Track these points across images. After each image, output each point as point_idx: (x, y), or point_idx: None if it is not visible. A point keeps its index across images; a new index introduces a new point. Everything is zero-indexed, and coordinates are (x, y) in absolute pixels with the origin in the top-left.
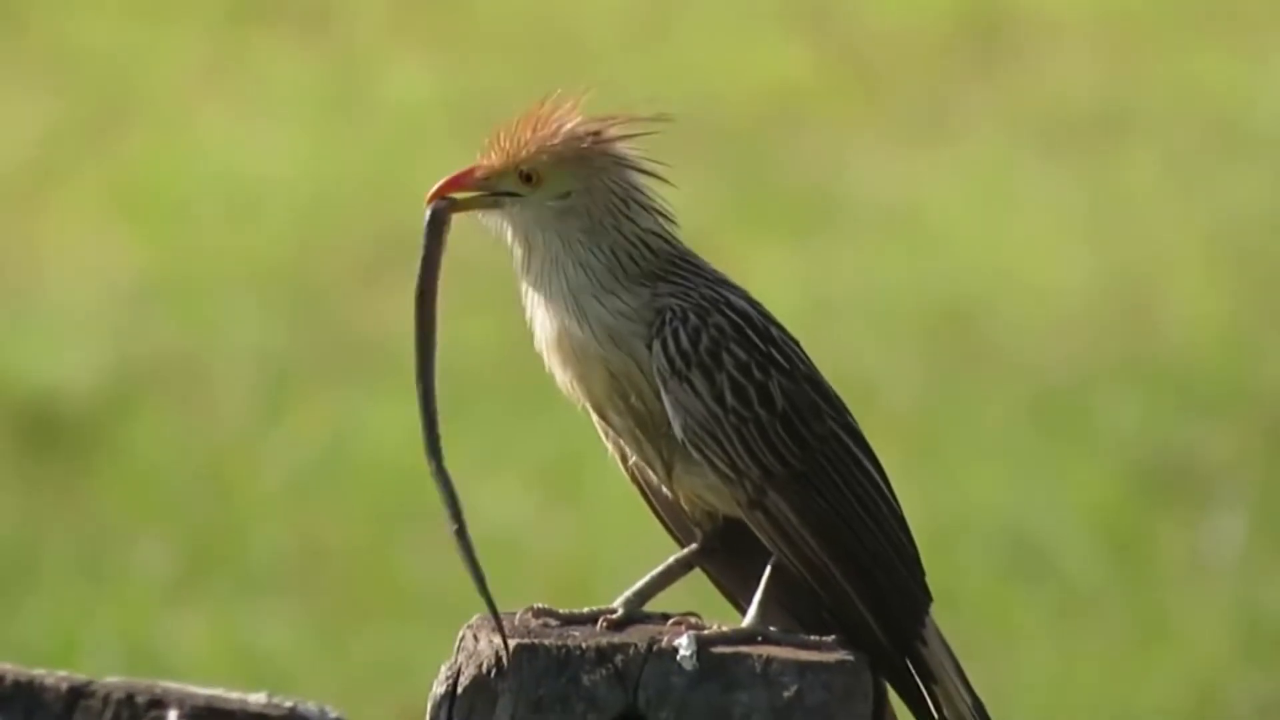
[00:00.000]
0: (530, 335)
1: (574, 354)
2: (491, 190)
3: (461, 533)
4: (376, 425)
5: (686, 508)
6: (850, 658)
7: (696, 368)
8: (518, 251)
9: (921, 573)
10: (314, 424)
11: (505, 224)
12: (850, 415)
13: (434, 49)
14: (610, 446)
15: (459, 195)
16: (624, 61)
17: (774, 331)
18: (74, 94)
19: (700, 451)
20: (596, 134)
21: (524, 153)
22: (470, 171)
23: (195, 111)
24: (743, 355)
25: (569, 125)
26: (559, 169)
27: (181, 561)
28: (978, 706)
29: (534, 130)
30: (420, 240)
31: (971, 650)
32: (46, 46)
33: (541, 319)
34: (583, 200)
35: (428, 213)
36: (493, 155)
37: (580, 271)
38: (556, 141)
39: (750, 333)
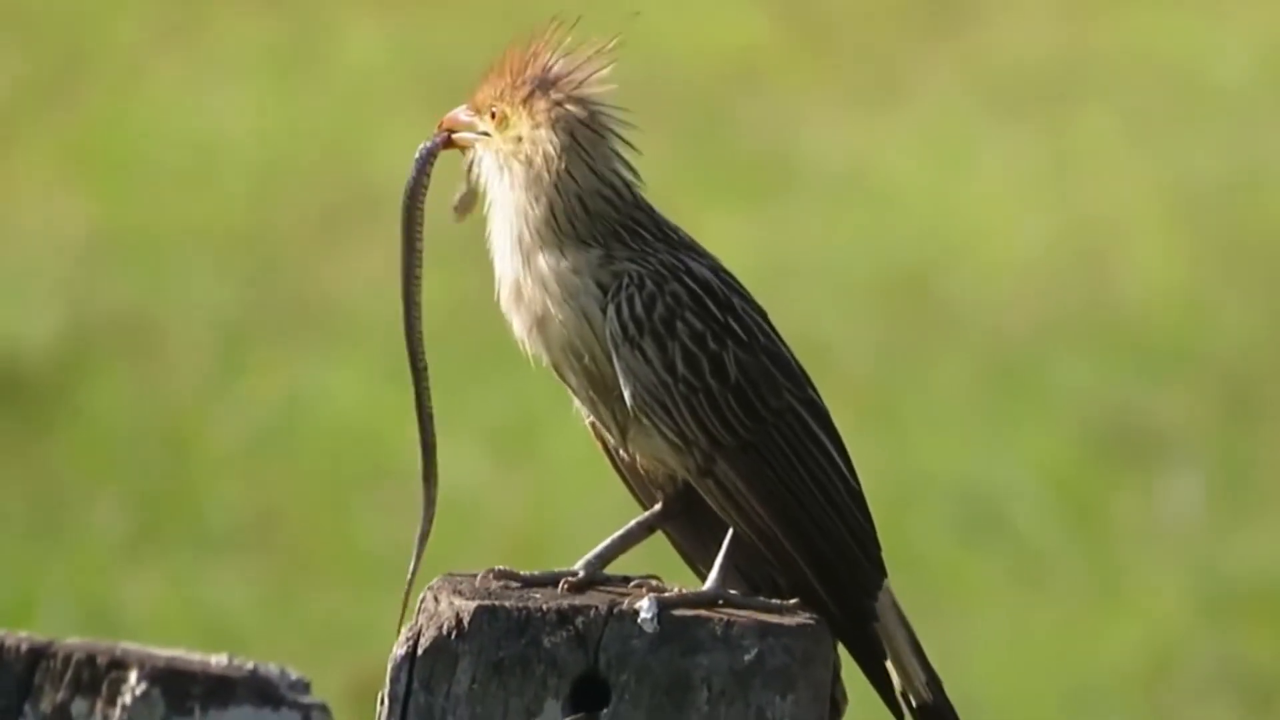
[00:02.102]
0: (491, 288)
1: (526, 305)
2: (473, 129)
3: (429, 469)
4: (332, 387)
5: (646, 470)
6: (811, 621)
7: (649, 335)
8: (491, 194)
9: (876, 548)
10: (270, 385)
11: (479, 164)
12: (813, 390)
13: (391, 11)
14: (575, 402)
15: (454, 133)
16: (581, 25)
17: (736, 302)
18: (30, 53)
19: (649, 418)
20: (555, 80)
21: (499, 91)
22: (461, 110)
23: (152, 71)
24: (698, 325)
25: (536, 67)
26: (517, 111)
27: (137, 521)
28: (933, 681)
29: (512, 70)
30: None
31: (928, 612)
32: (2, 5)
33: (499, 266)
34: (525, 148)
35: (423, 148)
36: (475, 93)
37: (521, 220)
38: (521, 82)
39: (709, 302)
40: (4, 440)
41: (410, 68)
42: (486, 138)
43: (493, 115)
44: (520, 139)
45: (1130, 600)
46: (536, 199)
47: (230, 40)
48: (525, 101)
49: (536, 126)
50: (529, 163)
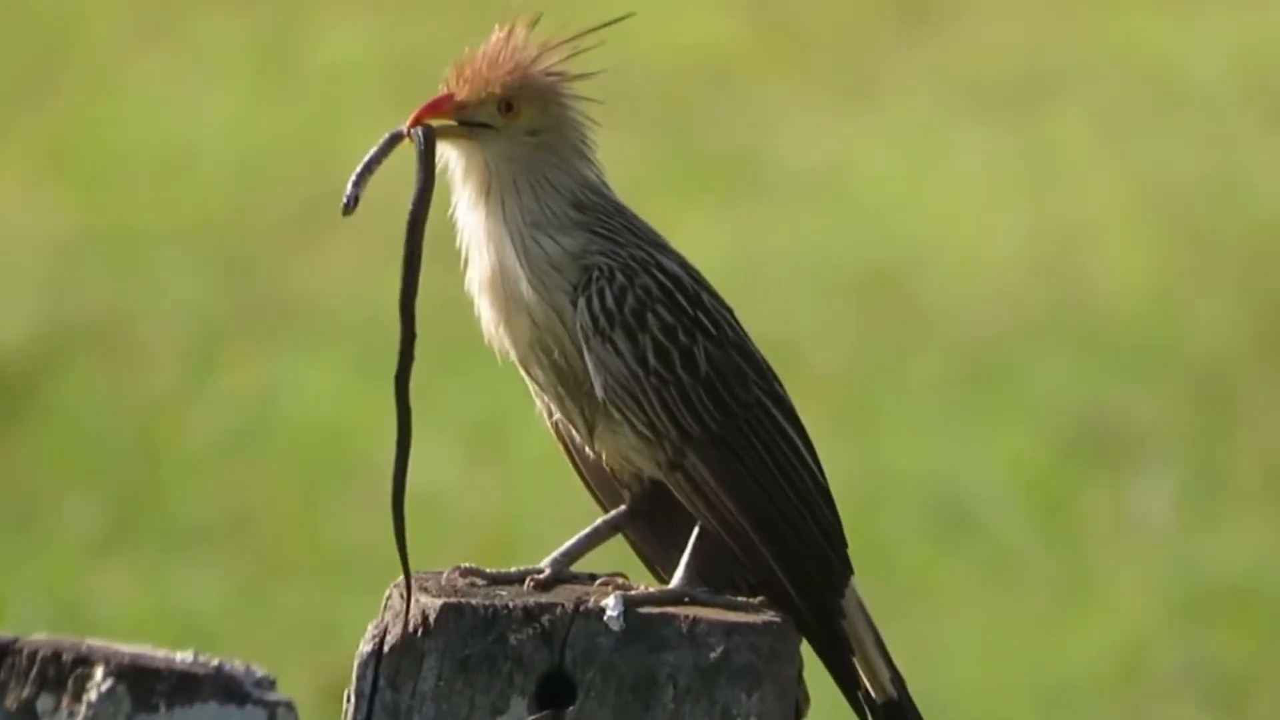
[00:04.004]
0: (461, 281)
1: (505, 296)
2: (468, 119)
3: (401, 467)
4: (305, 386)
5: (612, 469)
6: (777, 619)
7: (620, 328)
8: (474, 184)
9: (843, 545)
10: (243, 384)
11: (471, 156)
12: (780, 385)
13: (367, 10)
14: (538, 404)
15: (435, 123)
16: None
17: (705, 297)
18: (6, 51)
19: (620, 411)
20: (561, 73)
21: (509, 81)
22: (448, 98)
23: (128, 69)
24: (669, 318)
25: (542, 59)
26: (533, 103)
27: (109, 519)
28: (896, 679)
29: (515, 60)
30: (414, 170)
31: (900, 611)
32: None
33: (481, 257)
34: (550, 138)
35: (419, 139)
36: (466, 85)
37: (539, 207)
38: (537, 74)
39: (679, 296)
40: None
41: (386, 66)
42: (485, 129)
43: (509, 107)
44: (538, 131)
45: (1101, 600)
46: (560, 187)
47: (207, 39)
48: (545, 94)
49: (557, 116)
50: (555, 152)
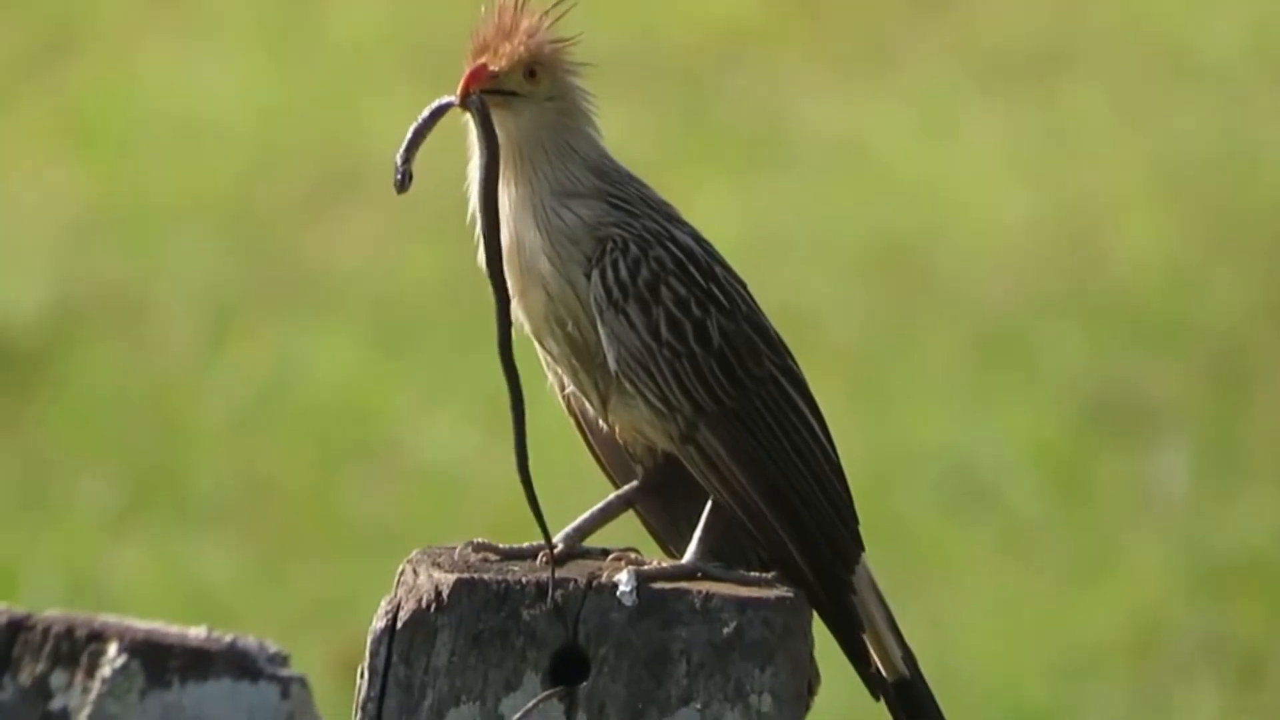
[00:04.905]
0: (474, 255)
1: (521, 268)
2: (500, 89)
3: (520, 433)
4: (320, 360)
5: (625, 442)
6: (790, 594)
7: (633, 300)
8: (503, 154)
9: (854, 521)
10: (258, 357)
11: (502, 125)
12: (792, 359)
13: None
14: (550, 377)
15: (486, 91)
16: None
17: (718, 270)
18: (19, 25)
19: (633, 384)
20: (563, 40)
21: (529, 49)
22: (483, 67)
23: (142, 43)
24: (682, 291)
25: (544, 25)
26: (550, 70)
27: (124, 494)
28: (908, 657)
29: (530, 27)
30: (477, 141)
31: (914, 585)
32: None
33: (501, 230)
34: (565, 104)
35: (477, 107)
36: (496, 55)
37: (565, 173)
38: (545, 41)
39: (692, 269)
40: None
41: (400, 42)
42: (516, 97)
43: (532, 74)
44: (555, 98)
45: (1117, 574)
46: (582, 153)
47: (222, 12)
48: (560, 61)
49: (570, 84)
50: (573, 118)
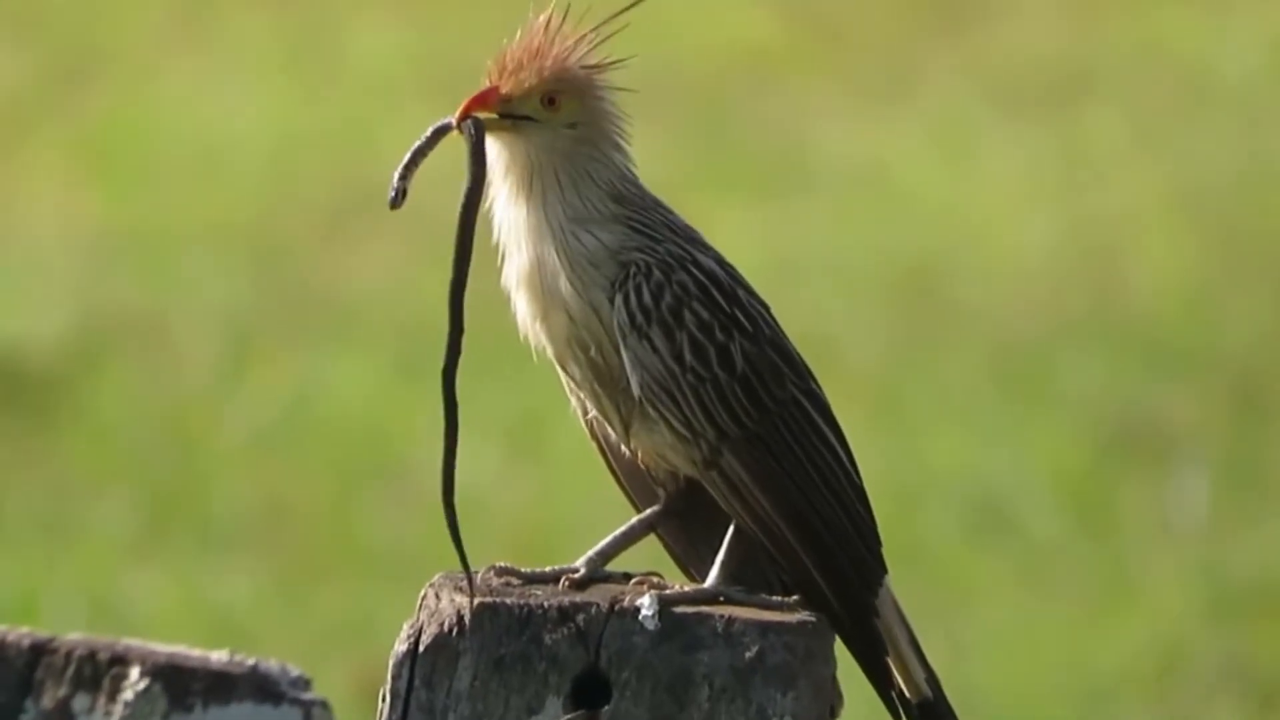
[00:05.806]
0: (498, 277)
1: (543, 291)
2: (512, 113)
3: (450, 461)
4: (339, 382)
5: (647, 466)
6: (812, 619)
7: (657, 324)
8: (515, 177)
9: (878, 543)
10: (277, 381)
11: (513, 149)
12: (815, 382)
13: (400, 9)
14: (573, 401)
15: (481, 115)
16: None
17: (741, 294)
18: (41, 49)
19: (656, 409)
20: (597, 65)
21: (551, 74)
22: (493, 90)
23: (161, 67)
24: (705, 315)
25: (578, 51)
26: (573, 96)
27: (144, 517)
28: (931, 678)
29: (555, 52)
30: (465, 164)
31: (936, 609)
32: (13, 3)
33: (519, 252)
34: (589, 131)
35: (470, 132)
36: (510, 78)
37: (580, 201)
38: (574, 67)
39: (715, 293)
40: (12, 437)
41: (419, 63)
42: (529, 122)
43: (552, 100)
44: (576, 124)
45: (1137, 598)
46: (600, 180)
47: (240, 36)
48: (582, 87)
49: (595, 109)
50: (595, 145)
